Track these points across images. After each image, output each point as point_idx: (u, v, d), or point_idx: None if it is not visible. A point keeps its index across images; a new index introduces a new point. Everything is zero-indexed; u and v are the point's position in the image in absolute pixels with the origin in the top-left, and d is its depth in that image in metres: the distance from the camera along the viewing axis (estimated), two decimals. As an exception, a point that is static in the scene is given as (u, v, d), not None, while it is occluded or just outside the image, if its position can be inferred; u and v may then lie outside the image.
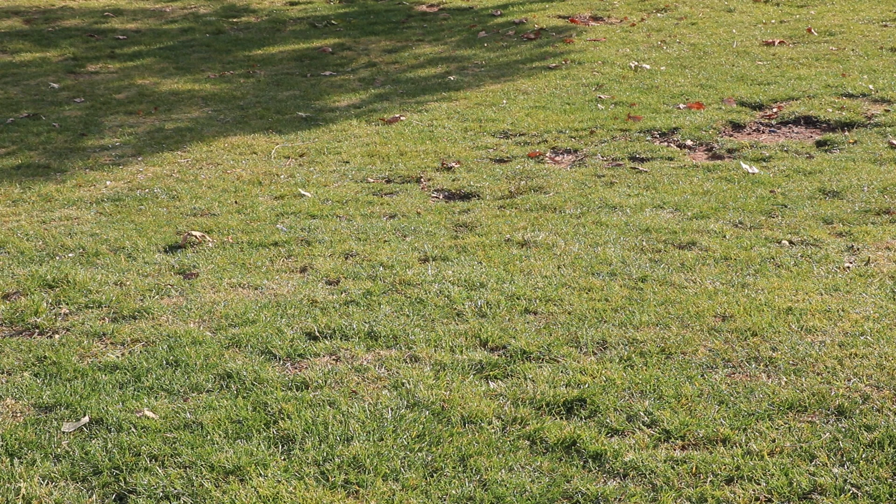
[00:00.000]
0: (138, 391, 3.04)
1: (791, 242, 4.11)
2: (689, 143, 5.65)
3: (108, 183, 5.21)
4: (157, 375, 3.12)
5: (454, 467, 2.62)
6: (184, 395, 3.02)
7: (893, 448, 2.65)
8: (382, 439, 2.74)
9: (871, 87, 6.58)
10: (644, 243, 4.12)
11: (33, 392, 3.04)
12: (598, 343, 3.26)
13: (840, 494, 2.47)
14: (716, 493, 2.49)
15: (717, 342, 3.24)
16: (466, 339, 3.31)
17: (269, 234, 4.37)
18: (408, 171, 5.26)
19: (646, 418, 2.81)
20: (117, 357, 3.26)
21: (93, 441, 2.78)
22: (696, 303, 3.52)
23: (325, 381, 3.07)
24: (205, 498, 2.53)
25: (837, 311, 3.44)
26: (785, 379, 3.01)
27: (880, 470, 2.56)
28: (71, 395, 3.01)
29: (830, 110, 6.09)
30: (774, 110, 6.20)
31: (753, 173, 5.04)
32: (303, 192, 4.97)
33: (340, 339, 3.35)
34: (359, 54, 8.59)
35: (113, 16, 10.61)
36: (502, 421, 2.82)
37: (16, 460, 2.69)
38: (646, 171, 5.15)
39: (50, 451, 2.73)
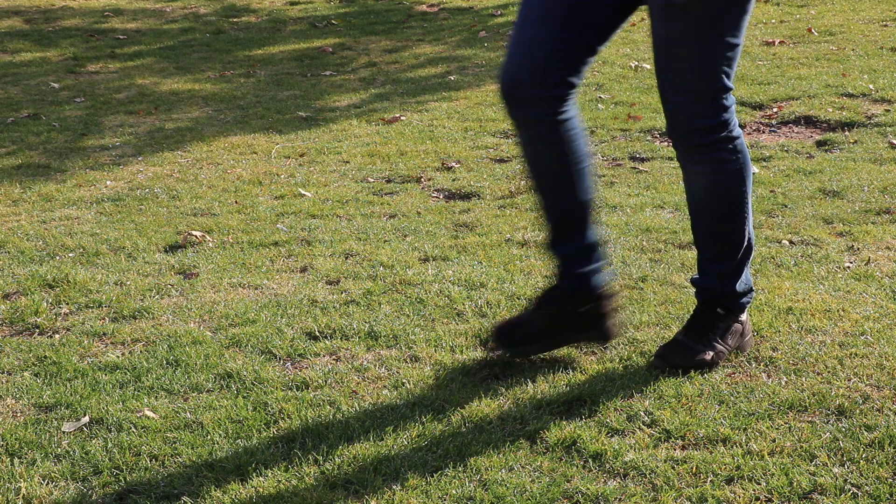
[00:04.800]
0: (138, 391, 3.04)
1: (791, 242, 4.11)
2: (689, 142, 5.64)
3: (108, 183, 5.21)
4: (158, 375, 3.12)
5: (454, 467, 2.62)
6: (184, 394, 3.02)
7: (894, 448, 2.65)
8: (382, 439, 2.74)
9: (871, 86, 6.59)
10: (644, 243, 4.12)
11: (33, 392, 3.04)
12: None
13: (840, 494, 2.47)
14: (716, 492, 2.49)
15: (718, 342, 3.24)
16: (467, 338, 3.31)
17: (269, 233, 4.37)
18: (408, 171, 5.26)
19: (646, 418, 2.81)
20: (117, 357, 3.26)
21: (93, 441, 2.78)
22: (696, 302, 3.52)
23: (326, 381, 3.07)
24: (205, 498, 2.53)
25: (838, 310, 3.44)
26: (785, 379, 3.01)
27: (880, 470, 2.56)
28: (71, 394, 3.01)
29: (830, 110, 6.10)
30: (774, 110, 6.21)
31: (754, 173, 5.04)
32: (303, 191, 4.97)
33: (340, 338, 3.35)
34: (359, 54, 8.60)
35: (113, 16, 10.62)
36: (502, 421, 2.82)
37: (16, 460, 2.70)
38: (646, 171, 5.16)
39: (50, 451, 2.73)
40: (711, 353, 3.06)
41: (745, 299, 3.12)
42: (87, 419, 2.88)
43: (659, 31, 2.85)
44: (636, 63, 7.64)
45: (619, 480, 2.56)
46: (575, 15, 2.87)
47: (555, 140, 2.92)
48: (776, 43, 8.22)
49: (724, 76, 2.84)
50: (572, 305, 3.04)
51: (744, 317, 3.14)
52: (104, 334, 3.44)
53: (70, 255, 4.18)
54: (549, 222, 3.03)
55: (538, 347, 3.09)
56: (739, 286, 3.09)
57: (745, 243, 3.04)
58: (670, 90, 2.87)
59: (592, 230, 3.05)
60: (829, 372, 3.04)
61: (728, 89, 2.87)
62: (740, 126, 5.94)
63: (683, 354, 3.07)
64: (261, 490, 2.54)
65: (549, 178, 2.98)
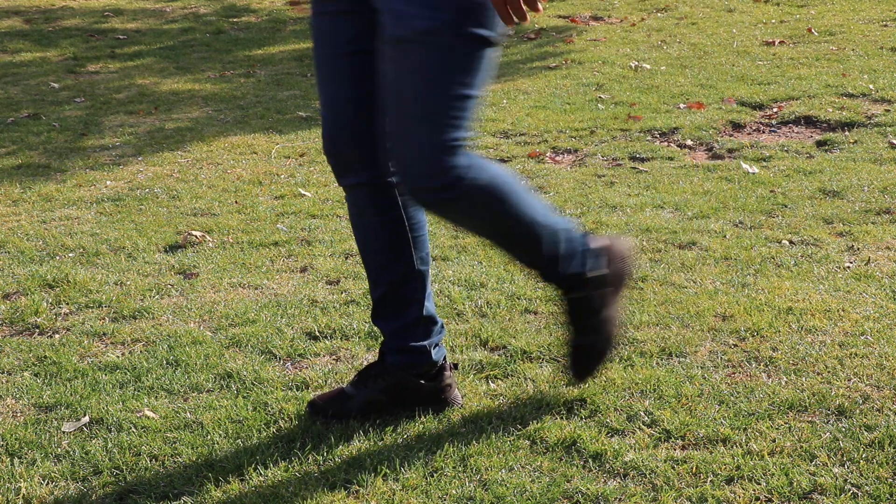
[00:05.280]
0: (138, 391, 3.04)
1: (791, 242, 4.11)
2: (689, 142, 5.65)
3: (108, 183, 5.21)
4: (158, 375, 3.12)
5: (454, 467, 2.62)
6: (184, 394, 3.02)
7: (893, 448, 2.65)
8: (382, 439, 2.74)
9: (871, 86, 6.59)
10: (644, 243, 4.12)
11: (33, 392, 3.04)
12: (598, 343, 3.26)
13: (840, 494, 2.47)
14: (716, 492, 2.49)
15: (718, 342, 3.24)
16: (467, 338, 3.31)
17: (269, 233, 4.37)
18: (408, 171, 5.26)
19: (646, 418, 2.81)
20: (117, 357, 3.26)
21: (93, 441, 2.78)
22: (696, 303, 3.52)
23: (326, 381, 3.07)
24: (205, 498, 2.53)
25: (837, 310, 3.44)
26: (785, 379, 3.01)
27: (880, 470, 2.56)
28: (71, 394, 3.01)
29: (830, 110, 6.10)
30: (774, 110, 6.21)
31: (754, 173, 5.04)
32: (303, 191, 4.97)
33: (340, 338, 3.35)
34: (359, 54, 8.59)
35: (113, 16, 10.61)
36: (502, 421, 2.82)
37: (16, 460, 2.69)
38: (646, 171, 5.16)
39: (50, 451, 2.73)
40: (605, 330, 2.83)
41: (581, 265, 2.78)
42: (87, 419, 2.88)
43: (386, 71, 2.54)
44: (636, 63, 7.64)
45: (619, 480, 2.56)
46: (357, 70, 2.65)
47: (384, 205, 2.72)
48: (776, 43, 8.22)
49: (452, 129, 2.51)
50: (408, 381, 2.83)
51: (599, 245, 2.82)
52: (104, 334, 3.44)
53: (70, 255, 4.18)
54: (374, 294, 2.81)
55: (362, 418, 2.83)
56: (570, 266, 2.77)
57: (547, 235, 2.72)
58: (394, 139, 2.56)
59: (429, 302, 2.81)
60: (829, 372, 3.04)
61: (459, 147, 2.53)
62: (740, 126, 5.96)
63: (592, 356, 2.85)
64: (261, 490, 2.54)
65: (378, 247, 2.77)
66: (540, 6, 2.44)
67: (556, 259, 2.76)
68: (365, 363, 3.17)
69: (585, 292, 2.80)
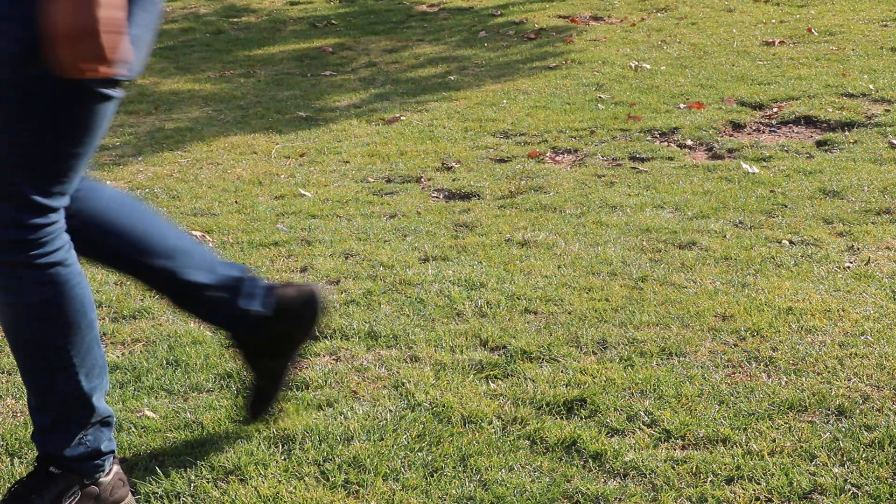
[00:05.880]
0: (138, 391, 3.04)
1: (791, 242, 4.11)
2: (689, 142, 5.65)
3: (108, 183, 5.21)
4: (158, 375, 3.12)
5: (454, 467, 2.62)
6: (184, 394, 3.02)
7: (894, 448, 2.65)
8: (382, 439, 2.74)
9: (871, 86, 6.59)
10: (644, 243, 4.12)
11: (33, 392, 3.04)
12: (598, 343, 3.26)
13: (840, 494, 2.47)
14: (716, 492, 2.49)
15: (718, 342, 3.24)
16: (466, 338, 3.31)
17: (269, 233, 4.37)
18: (408, 171, 5.26)
19: (646, 418, 2.81)
20: (117, 357, 3.26)
21: (93, 441, 2.77)
22: (696, 303, 3.52)
23: (326, 381, 3.06)
24: (205, 498, 2.53)
25: (837, 310, 3.44)
26: (785, 379, 3.01)
27: (880, 470, 2.56)
28: (71, 394, 3.01)
29: (830, 110, 6.10)
30: (774, 110, 6.21)
31: (754, 173, 5.04)
32: (303, 191, 4.97)
33: (340, 338, 3.35)
34: (359, 54, 8.60)
35: (113, 16, 10.61)
36: (502, 421, 2.82)
37: (16, 460, 2.69)
38: (646, 171, 5.16)
39: (50, 451, 2.73)
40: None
41: (88, 463, 2.41)
42: (87, 419, 2.88)
43: None
44: (636, 63, 7.64)
45: (619, 480, 2.56)
46: None
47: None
48: (776, 43, 8.22)
49: (31, 182, 2.11)
50: (262, 334, 2.65)
51: (106, 478, 2.47)
52: (104, 334, 3.44)
53: (70, 255, 4.18)
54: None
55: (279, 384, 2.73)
56: (72, 450, 2.37)
57: (74, 400, 2.33)
58: None
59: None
60: (829, 372, 3.04)
61: (38, 205, 2.13)
62: (740, 126, 5.96)
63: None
64: (261, 490, 2.54)
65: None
66: (109, 68, 1.99)
67: (69, 431, 2.36)
68: (365, 363, 3.17)
69: (71, 472, 2.40)
